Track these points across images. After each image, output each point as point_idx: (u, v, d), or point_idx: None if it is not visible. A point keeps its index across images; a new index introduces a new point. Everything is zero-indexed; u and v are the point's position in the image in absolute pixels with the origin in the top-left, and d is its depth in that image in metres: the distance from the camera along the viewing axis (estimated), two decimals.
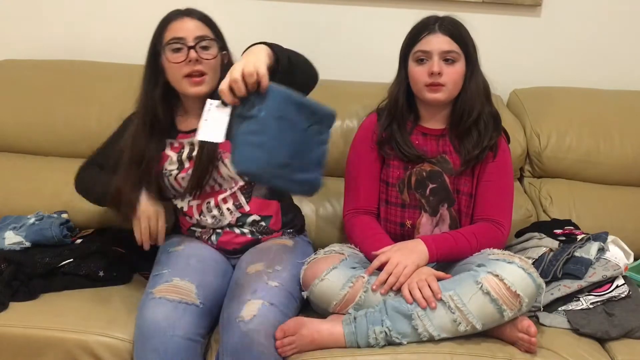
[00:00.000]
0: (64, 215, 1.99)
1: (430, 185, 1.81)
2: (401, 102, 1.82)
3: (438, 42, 1.73)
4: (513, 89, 2.43)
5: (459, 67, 1.76)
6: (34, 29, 2.44)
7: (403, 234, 1.84)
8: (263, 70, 1.33)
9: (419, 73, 1.76)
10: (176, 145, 1.81)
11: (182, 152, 1.80)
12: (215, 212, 1.82)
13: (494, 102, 1.87)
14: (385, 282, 1.64)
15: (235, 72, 1.34)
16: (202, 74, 1.70)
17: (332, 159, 2.02)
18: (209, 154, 1.74)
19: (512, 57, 2.45)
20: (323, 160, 1.40)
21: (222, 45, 1.77)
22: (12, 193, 2.11)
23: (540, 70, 2.46)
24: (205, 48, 1.71)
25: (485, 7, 2.40)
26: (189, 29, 1.70)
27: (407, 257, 1.66)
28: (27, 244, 1.89)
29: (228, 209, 1.82)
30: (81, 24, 2.43)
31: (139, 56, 2.39)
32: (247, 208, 1.82)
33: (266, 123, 1.30)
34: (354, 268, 1.69)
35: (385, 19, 2.39)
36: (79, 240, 1.94)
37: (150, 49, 1.76)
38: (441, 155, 1.82)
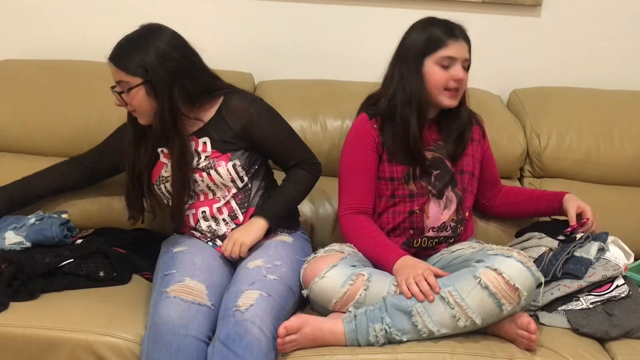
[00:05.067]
0: (64, 216, 1.98)
1: (434, 172, 1.86)
2: (425, 100, 1.81)
3: (463, 50, 1.80)
4: (513, 89, 2.43)
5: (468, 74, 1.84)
6: (34, 29, 2.44)
7: (412, 220, 1.85)
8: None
9: (442, 77, 1.79)
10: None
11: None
12: (211, 222, 1.84)
13: (493, 101, 1.88)
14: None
15: None
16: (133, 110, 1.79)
17: (333, 159, 2.03)
18: (181, 164, 1.77)
19: (512, 57, 2.45)
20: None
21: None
22: None
23: (540, 70, 2.46)
24: (121, 93, 1.76)
25: (485, 7, 2.40)
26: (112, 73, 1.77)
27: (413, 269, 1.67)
28: (28, 244, 1.88)
29: (224, 220, 1.84)
30: (81, 24, 2.43)
31: None
32: (241, 218, 1.84)
33: None
34: (353, 266, 1.70)
35: (385, 19, 2.39)
36: (79, 241, 1.94)
37: None
38: (437, 142, 1.88)
